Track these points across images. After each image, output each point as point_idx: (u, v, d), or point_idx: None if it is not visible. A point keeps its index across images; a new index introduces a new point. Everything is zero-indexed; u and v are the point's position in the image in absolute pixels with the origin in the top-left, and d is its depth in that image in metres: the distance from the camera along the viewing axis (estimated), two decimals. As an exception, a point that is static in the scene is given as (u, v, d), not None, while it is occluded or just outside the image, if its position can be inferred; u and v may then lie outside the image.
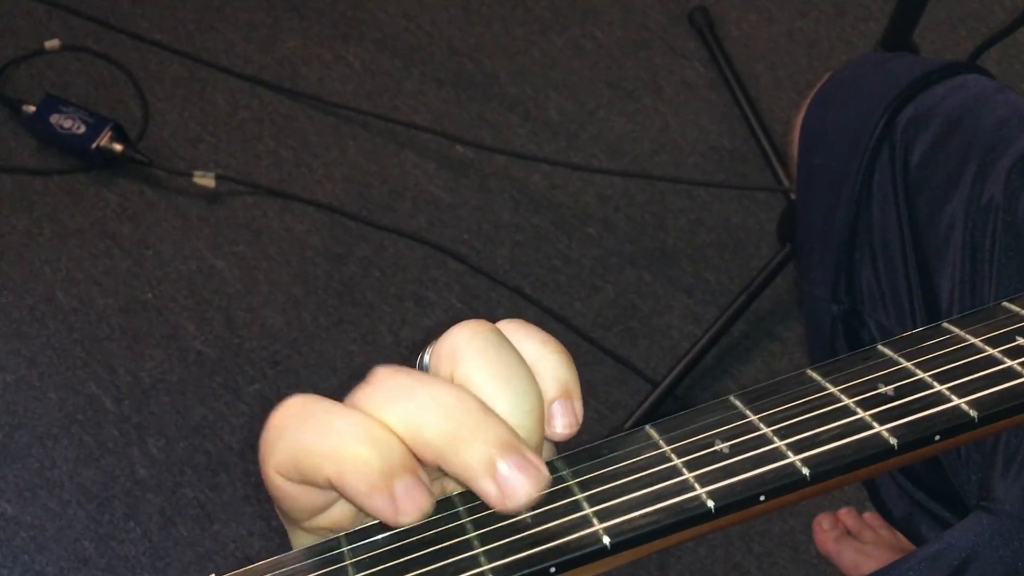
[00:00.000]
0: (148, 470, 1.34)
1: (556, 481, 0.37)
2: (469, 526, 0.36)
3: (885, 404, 0.37)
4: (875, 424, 0.36)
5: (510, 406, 0.35)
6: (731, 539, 1.33)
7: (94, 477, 1.33)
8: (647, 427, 0.38)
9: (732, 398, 0.39)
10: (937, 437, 0.36)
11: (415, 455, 0.35)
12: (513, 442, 0.35)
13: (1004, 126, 0.78)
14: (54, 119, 1.52)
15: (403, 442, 0.35)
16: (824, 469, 0.35)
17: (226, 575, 0.36)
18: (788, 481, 0.35)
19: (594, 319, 1.46)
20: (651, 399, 1.36)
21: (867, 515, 1.28)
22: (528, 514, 0.36)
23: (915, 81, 0.82)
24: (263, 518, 1.31)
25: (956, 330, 0.40)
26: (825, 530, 1.28)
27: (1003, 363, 0.38)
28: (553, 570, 0.34)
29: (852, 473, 0.36)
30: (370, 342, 1.43)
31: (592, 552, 0.34)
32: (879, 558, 1.23)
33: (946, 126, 0.79)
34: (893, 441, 0.36)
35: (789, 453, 0.36)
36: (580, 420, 0.37)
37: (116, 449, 1.35)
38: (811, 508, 1.32)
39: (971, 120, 0.79)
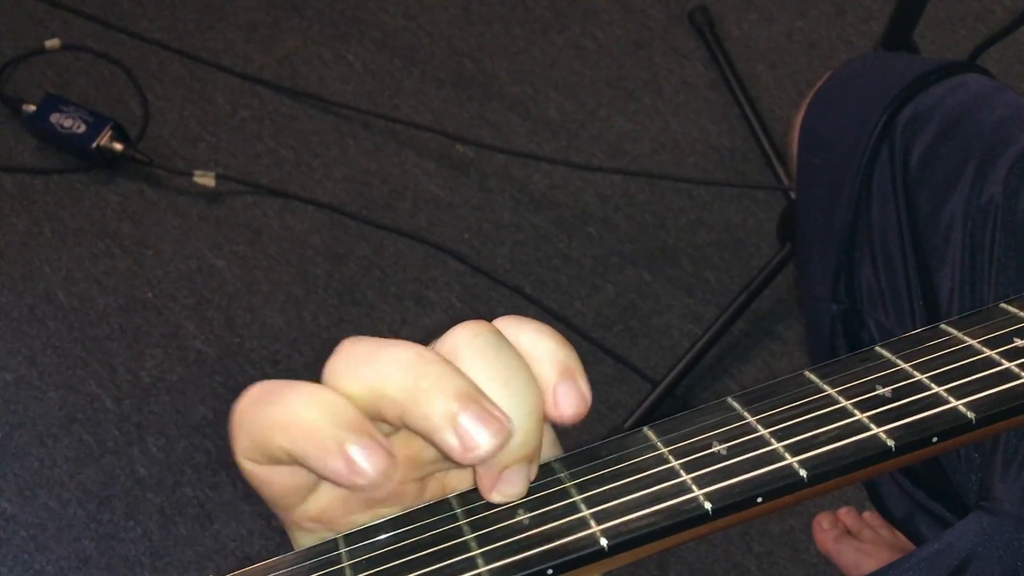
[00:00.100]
0: (148, 469, 1.34)
1: (554, 483, 0.37)
2: (466, 528, 0.36)
3: (883, 406, 0.37)
4: (873, 426, 0.36)
5: (509, 408, 0.35)
6: (731, 538, 1.33)
7: (94, 476, 1.34)
8: (645, 428, 0.38)
9: (730, 399, 0.39)
10: (935, 439, 0.36)
11: (381, 417, 0.35)
12: (473, 394, 0.35)
13: (1004, 126, 0.78)
14: (54, 118, 1.52)
15: (367, 406, 0.35)
16: (821, 471, 0.35)
17: (225, 575, 0.36)
18: (786, 483, 0.35)
19: (594, 318, 1.46)
20: (651, 398, 1.36)
21: (867, 514, 1.28)
22: (526, 516, 0.36)
23: (915, 81, 0.82)
24: (263, 517, 1.31)
25: (954, 331, 0.40)
26: (825, 529, 1.28)
27: (1001, 365, 0.38)
28: (551, 572, 0.34)
29: (850, 475, 0.36)
30: (370, 341, 1.43)
31: (589, 554, 0.34)
32: (879, 557, 1.23)
33: (946, 126, 0.79)
34: (891, 443, 0.36)
35: (787, 455, 0.36)
36: (588, 398, 0.37)
37: (116, 448, 1.35)
38: (811, 507, 1.32)
39: (971, 120, 0.79)
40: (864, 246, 0.82)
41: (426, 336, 0.37)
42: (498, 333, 0.37)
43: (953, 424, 0.36)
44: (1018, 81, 1.67)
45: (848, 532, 1.28)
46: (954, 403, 0.37)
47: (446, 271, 1.49)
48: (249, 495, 1.33)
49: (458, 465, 0.36)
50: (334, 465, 0.34)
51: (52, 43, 1.63)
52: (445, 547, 0.35)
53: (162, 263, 1.48)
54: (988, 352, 0.39)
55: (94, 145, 1.51)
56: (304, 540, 0.39)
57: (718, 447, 0.37)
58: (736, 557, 1.32)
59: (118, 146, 1.51)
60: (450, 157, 1.59)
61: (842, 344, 0.85)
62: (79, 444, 1.35)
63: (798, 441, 0.36)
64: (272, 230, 1.52)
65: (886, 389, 0.38)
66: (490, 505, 0.37)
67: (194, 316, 1.45)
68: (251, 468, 0.37)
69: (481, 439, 0.34)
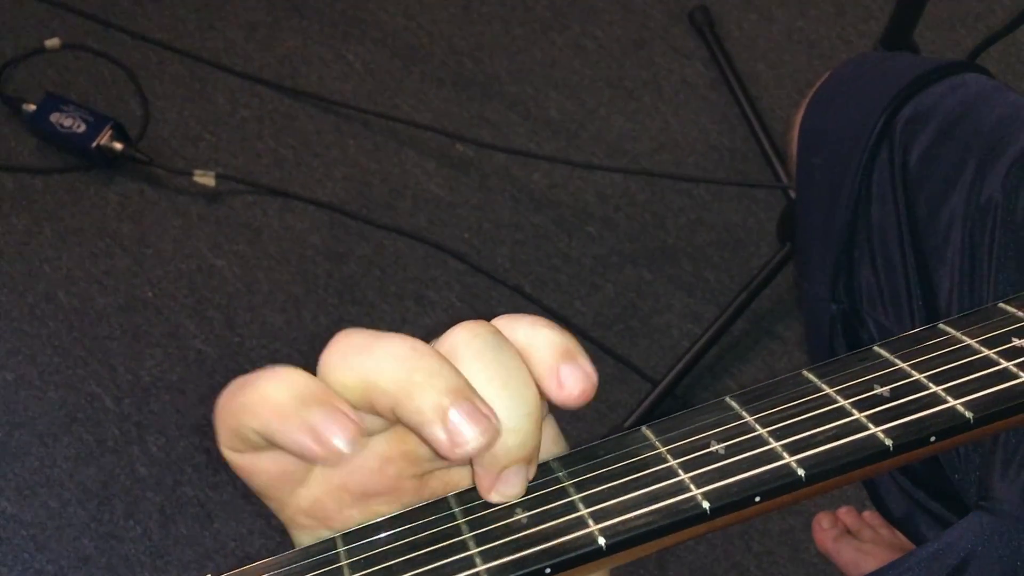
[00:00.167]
0: (148, 468, 1.34)
1: (552, 482, 0.37)
2: (465, 527, 0.36)
3: (881, 405, 0.37)
4: (871, 425, 0.36)
5: (507, 409, 0.35)
6: (731, 538, 1.33)
7: (94, 475, 1.34)
8: (643, 428, 0.38)
9: (728, 399, 0.39)
10: (933, 438, 0.36)
11: (374, 409, 0.35)
12: (465, 390, 0.35)
13: (1003, 125, 0.78)
14: (54, 118, 1.52)
15: (359, 397, 0.35)
16: (819, 470, 0.36)
17: (224, 574, 0.36)
18: (784, 482, 0.35)
19: (594, 318, 1.46)
20: (651, 398, 1.36)
21: (866, 514, 1.28)
22: (524, 515, 0.36)
23: (914, 80, 0.82)
24: (263, 516, 1.31)
25: (952, 331, 0.40)
26: (824, 529, 1.28)
27: (999, 364, 0.38)
28: (548, 571, 0.34)
29: (848, 474, 0.36)
30: (370, 341, 1.43)
31: (587, 553, 0.34)
32: (878, 557, 1.22)
33: (945, 125, 0.79)
34: (888, 442, 0.36)
35: (785, 454, 0.36)
36: (594, 376, 0.37)
37: (116, 448, 1.35)
38: (810, 507, 1.32)
39: (970, 119, 0.79)
40: (863, 246, 0.82)
41: (426, 335, 0.37)
42: (497, 333, 0.37)
43: (951, 423, 0.36)
44: (1018, 81, 1.67)
45: (848, 531, 1.28)
46: (952, 402, 0.37)
47: (446, 270, 1.49)
48: (249, 494, 1.32)
49: (446, 460, 0.36)
50: (300, 438, 0.35)
51: (52, 42, 1.63)
52: (443, 546, 0.35)
53: (162, 262, 1.48)
54: (986, 352, 0.39)
55: (94, 144, 1.51)
56: (304, 539, 0.39)
57: (716, 446, 0.37)
58: (735, 556, 1.32)
59: (118, 145, 1.51)
60: (450, 156, 1.59)
61: (841, 344, 0.85)
62: (79, 443, 1.36)
63: (796, 440, 0.36)
64: (272, 229, 1.52)
65: (884, 388, 0.38)
66: (488, 504, 0.37)
67: (194, 315, 1.45)
68: (234, 458, 0.38)
69: (469, 435, 0.34)
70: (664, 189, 1.56)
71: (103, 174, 1.55)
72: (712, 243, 1.52)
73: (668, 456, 0.37)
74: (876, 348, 0.40)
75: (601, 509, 0.35)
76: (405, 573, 0.35)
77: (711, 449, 0.37)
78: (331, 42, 1.68)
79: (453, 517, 0.37)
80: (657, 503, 0.35)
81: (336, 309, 1.46)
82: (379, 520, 0.38)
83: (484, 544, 0.35)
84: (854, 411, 0.37)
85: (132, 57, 1.64)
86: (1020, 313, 0.41)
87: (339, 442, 0.34)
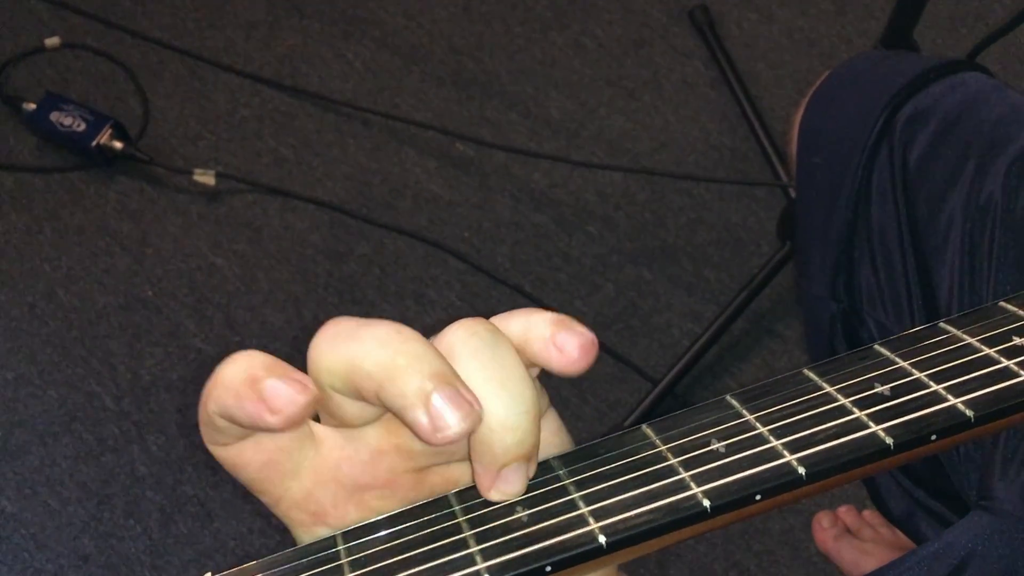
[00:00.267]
0: (148, 468, 1.34)
1: (552, 480, 0.37)
2: (465, 525, 0.36)
3: (881, 403, 0.37)
4: (871, 424, 0.36)
5: (505, 407, 0.35)
6: (731, 537, 1.33)
7: (94, 475, 1.34)
8: (643, 426, 0.38)
9: (729, 397, 0.39)
10: (933, 437, 0.36)
11: (359, 394, 0.36)
12: (448, 375, 0.35)
13: (1003, 124, 0.78)
14: (54, 117, 1.52)
15: (345, 380, 0.36)
16: (820, 468, 0.35)
17: (223, 573, 0.36)
18: (784, 480, 0.35)
19: (594, 317, 1.46)
20: (651, 397, 1.36)
21: (867, 513, 1.28)
22: (524, 513, 0.36)
23: (914, 79, 0.82)
24: (263, 515, 1.31)
25: (953, 330, 0.40)
26: (825, 528, 1.28)
27: (999, 363, 0.38)
28: (549, 569, 0.34)
29: (848, 473, 0.36)
30: (370, 340, 1.43)
31: (588, 551, 0.34)
32: (879, 556, 1.22)
33: (945, 124, 0.79)
34: (889, 441, 0.36)
35: (785, 452, 0.36)
36: (590, 335, 0.37)
37: (116, 447, 1.35)
38: (811, 506, 1.32)
39: (970, 118, 0.79)
40: (864, 245, 0.82)
41: (426, 334, 0.37)
42: (494, 331, 0.37)
43: (952, 422, 0.36)
44: (1018, 80, 1.67)
45: (848, 531, 1.28)
46: (952, 401, 0.37)
47: (446, 270, 1.49)
48: (248, 494, 1.33)
49: (429, 444, 0.36)
50: (249, 406, 0.35)
51: (52, 41, 1.63)
52: (443, 544, 0.35)
53: (162, 261, 1.48)
54: (987, 350, 0.39)
55: (94, 143, 1.51)
56: (304, 537, 0.39)
57: (717, 445, 0.37)
58: (736, 556, 1.32)
59: (118, 144, 1.51)
60: (450, 155, 1.59)
61: (841, 343, 0.85)
62: (79, 442, 1.36)
63: (796, 439, 0.36)
64: (272, 228, 1.52)
65: (885, 387, 0.38)
66: (488, 503, 0.37)
67: (194, 315, 1.45)
68: (219, 452, 0.38)
69: (451, 420, 0.34)
70: (664, 188, 1.56)
71: (103, 173, 1.55)
72: (712, 242, 1.52)
73: (668, 454, 0.37)
74: (876, 347, 0.40)
75: (601, 507, 0.35)
76: (405, 571, 0.35)
77: (711, 447, 0.37)
78: (331, 41, 1.68)
79: (453, 515, 0.37)
80: (657, 501, 0.35)
81: (336, 308, 1.46)
82: (379, 518, 0.38)
83: (484, 542, 0.35)
84: (855, 409, 0.37)
85: (132, 56, 1.64)
86: (1020, 312, 0.41)
87: (285, 406, 0.35)
